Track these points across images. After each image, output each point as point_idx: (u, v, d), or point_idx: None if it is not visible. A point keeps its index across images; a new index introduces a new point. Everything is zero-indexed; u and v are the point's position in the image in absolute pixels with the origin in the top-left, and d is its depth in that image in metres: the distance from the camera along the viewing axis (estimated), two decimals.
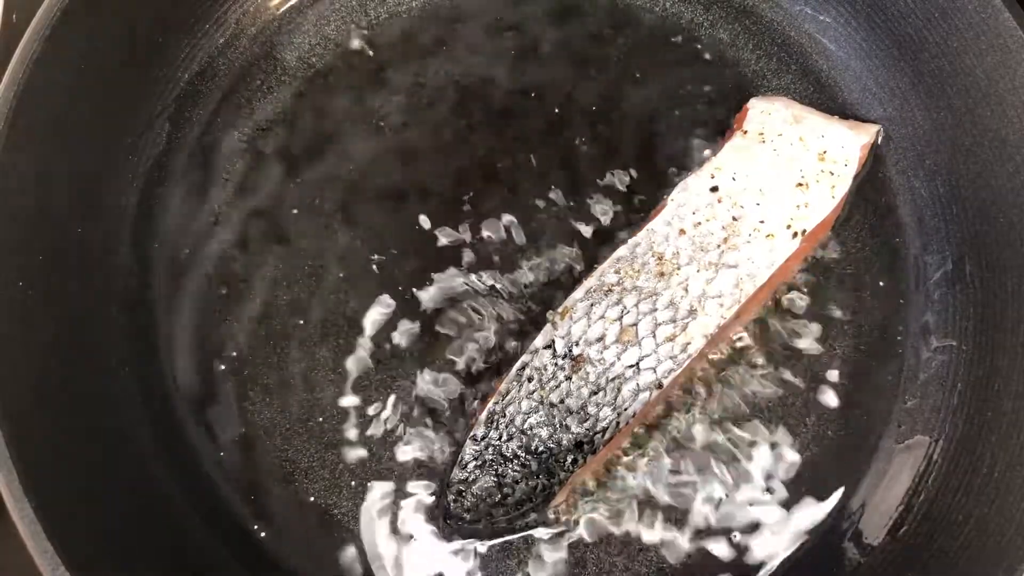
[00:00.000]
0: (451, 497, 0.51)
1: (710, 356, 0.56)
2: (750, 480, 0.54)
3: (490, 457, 0.51)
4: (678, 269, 0.54)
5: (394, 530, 0.53)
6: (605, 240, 0.59)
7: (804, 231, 0.55)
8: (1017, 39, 0.54)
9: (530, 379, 0.52)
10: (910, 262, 0.59)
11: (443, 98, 0.62)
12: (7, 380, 0.47)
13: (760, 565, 0.53)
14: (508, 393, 0.52)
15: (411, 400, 0.56)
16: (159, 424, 0.55)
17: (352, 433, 0.55)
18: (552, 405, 0.52)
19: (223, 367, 0.56)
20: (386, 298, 0.58)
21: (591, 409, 0.52)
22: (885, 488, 0.55)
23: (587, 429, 0.51)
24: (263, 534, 0.54)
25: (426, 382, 0.56)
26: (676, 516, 0.54)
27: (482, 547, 0.53)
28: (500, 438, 0.52)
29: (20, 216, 0.51)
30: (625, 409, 0.52)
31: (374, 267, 0.58)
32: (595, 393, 0.52)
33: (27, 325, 0.50)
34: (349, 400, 0.56)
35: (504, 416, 0.52)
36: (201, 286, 0.58)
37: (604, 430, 0.51)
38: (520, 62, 0.63)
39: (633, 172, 0.60)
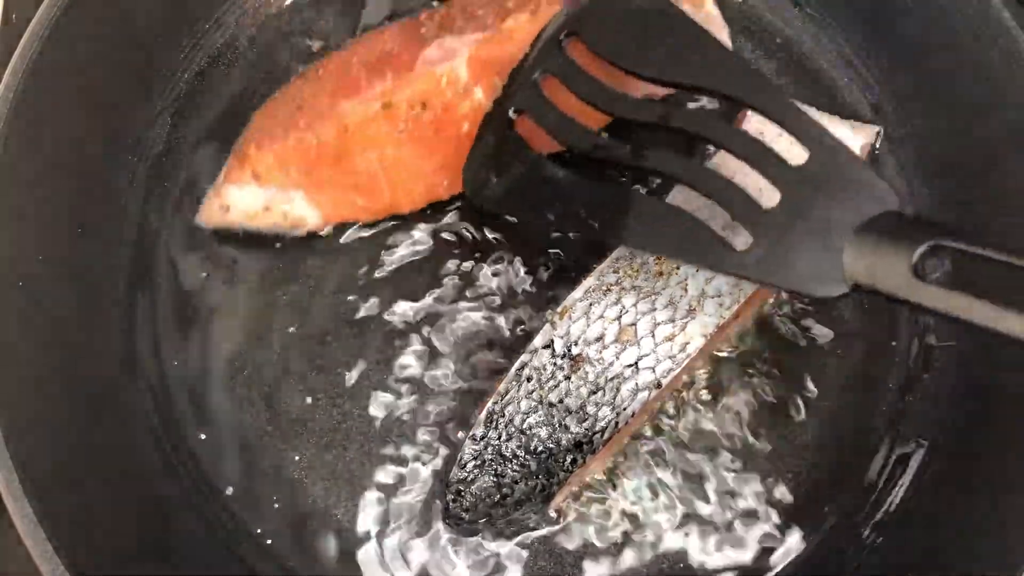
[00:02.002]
0: (450, 497, 0.51)
1: (709, 355, 0.56)
2: (750, 481, 0.54)
3: (489, 457, 0.51)
4: (677, 268, 0.54)
5: (395, 531, 0.53)
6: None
7: None
8: (1017, 39, 0.54)
9: (529, 379, 0.52)
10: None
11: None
12: (7, 380, 0.47)
13: (761, 566, 0.53)
14: (507, 393, 0.52)
15: (412, 400, 0.56)
16: (159, 424, 0.55)
17: (352, 434, 0.55)
18: (551, 405, 0.52)
19: (223, 367, 0.56)
20: (390, 302, 0.58)
21: (590, 409, 0.52)
22: (885, 488, 0.55)
23: (586, 429, 0.51)
24: (265, 536, 0.54)
25: (427, 382, 0.56)
26: (677, 517, 0.54)
27: (481, 547, 0.53)
28: (499, 438, 0.52)
29: (20, 216, 0.51)
30: (624, 409, 0.52)
31: (377, 268, 0.59)
32: (594, 393, 0.52)
33: (27, 325, 0.50)
34: (350, 402, 0.56)
35: (503, 416, 0.52)
36: (201, 286, 0.58)
37: (603, 430, 0.51)
38: None
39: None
